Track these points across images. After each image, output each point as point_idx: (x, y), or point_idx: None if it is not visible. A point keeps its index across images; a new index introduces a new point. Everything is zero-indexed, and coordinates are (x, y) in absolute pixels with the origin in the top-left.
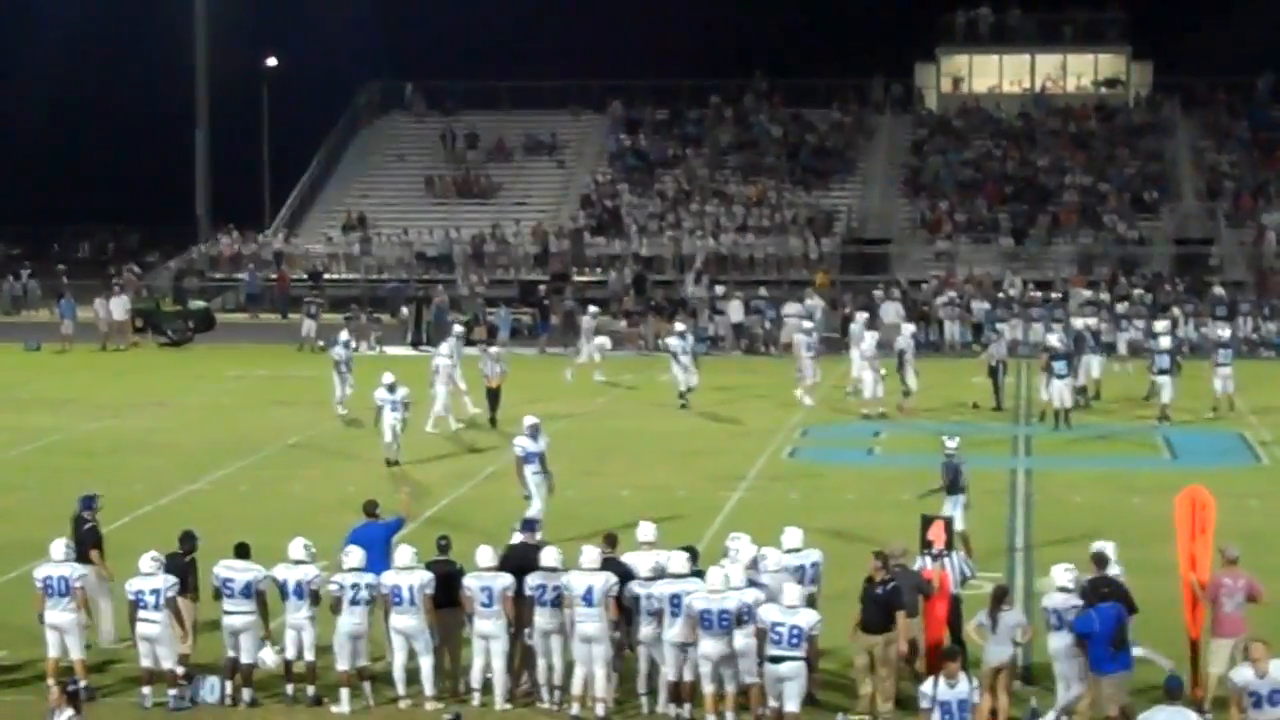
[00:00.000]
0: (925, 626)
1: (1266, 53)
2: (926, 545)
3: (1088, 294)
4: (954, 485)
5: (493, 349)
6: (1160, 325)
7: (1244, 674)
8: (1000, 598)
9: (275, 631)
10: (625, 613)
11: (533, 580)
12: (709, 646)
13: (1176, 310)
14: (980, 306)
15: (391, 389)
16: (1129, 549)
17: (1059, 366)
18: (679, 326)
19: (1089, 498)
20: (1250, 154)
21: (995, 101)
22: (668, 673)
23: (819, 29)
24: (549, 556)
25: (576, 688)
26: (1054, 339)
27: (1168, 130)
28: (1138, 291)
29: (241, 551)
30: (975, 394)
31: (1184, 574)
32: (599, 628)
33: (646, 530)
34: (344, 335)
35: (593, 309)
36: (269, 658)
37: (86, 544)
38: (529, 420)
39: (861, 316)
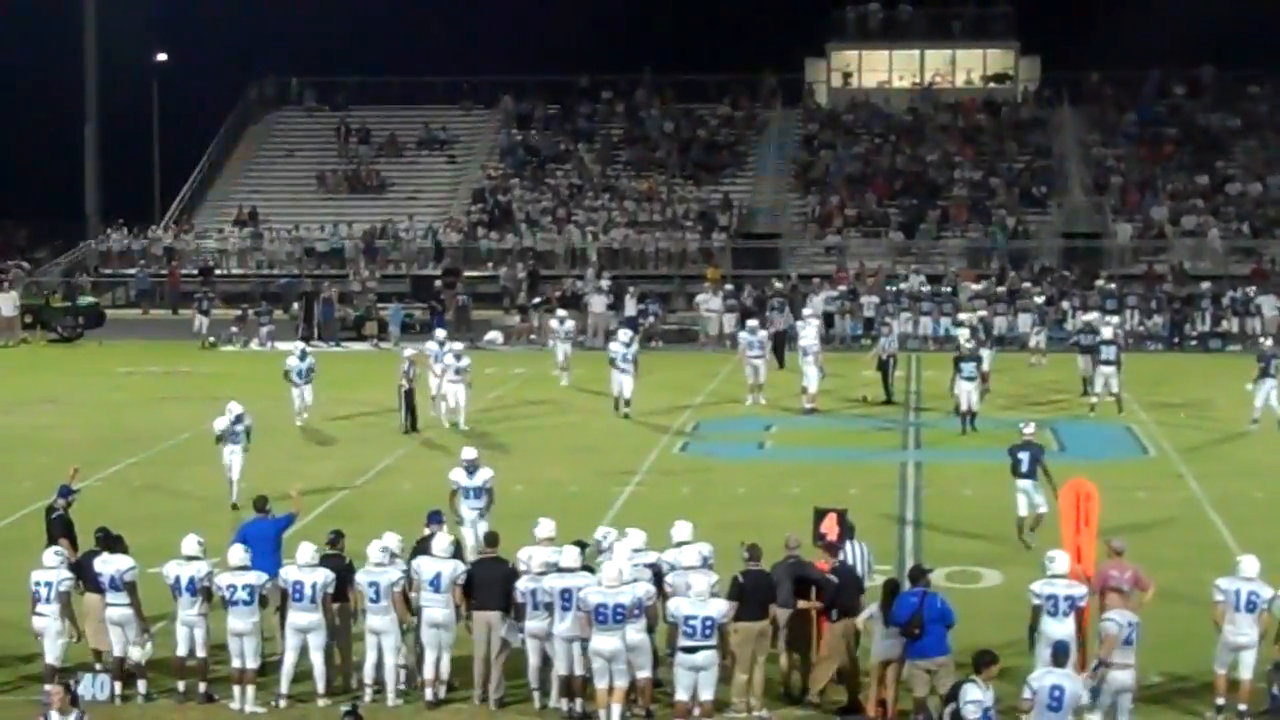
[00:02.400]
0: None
1: (1153, 48)
2: (820, 538)
3: (977, 287)
4: (1031, 470)
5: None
6: (1099, 317)
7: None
8: (892, 591)
9: (167, 627)
10: (518, 608)
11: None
12: (601, 641)
13: (1065, 303)
14: (869, 300)
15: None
16: (1019, 542)
17: (967, 369)
18: (623, 334)
19: (979, 490)
20: (1137, 148)
21: (885, 96)
22: (559, 667)
23: (710, 24)
24: (440, 544)
25: (428, 672)
26: (963, 338)
27: (1056, 125)
28: (1026, 285)
29: (114, 545)
30: (866, 388)
31: (1069, 565)
32: (446, 614)
33: (546, 527)
34: (300, 345)
35: (560, 312)
36: (135, 652)
37: (55, 533)
38: (466, 454)
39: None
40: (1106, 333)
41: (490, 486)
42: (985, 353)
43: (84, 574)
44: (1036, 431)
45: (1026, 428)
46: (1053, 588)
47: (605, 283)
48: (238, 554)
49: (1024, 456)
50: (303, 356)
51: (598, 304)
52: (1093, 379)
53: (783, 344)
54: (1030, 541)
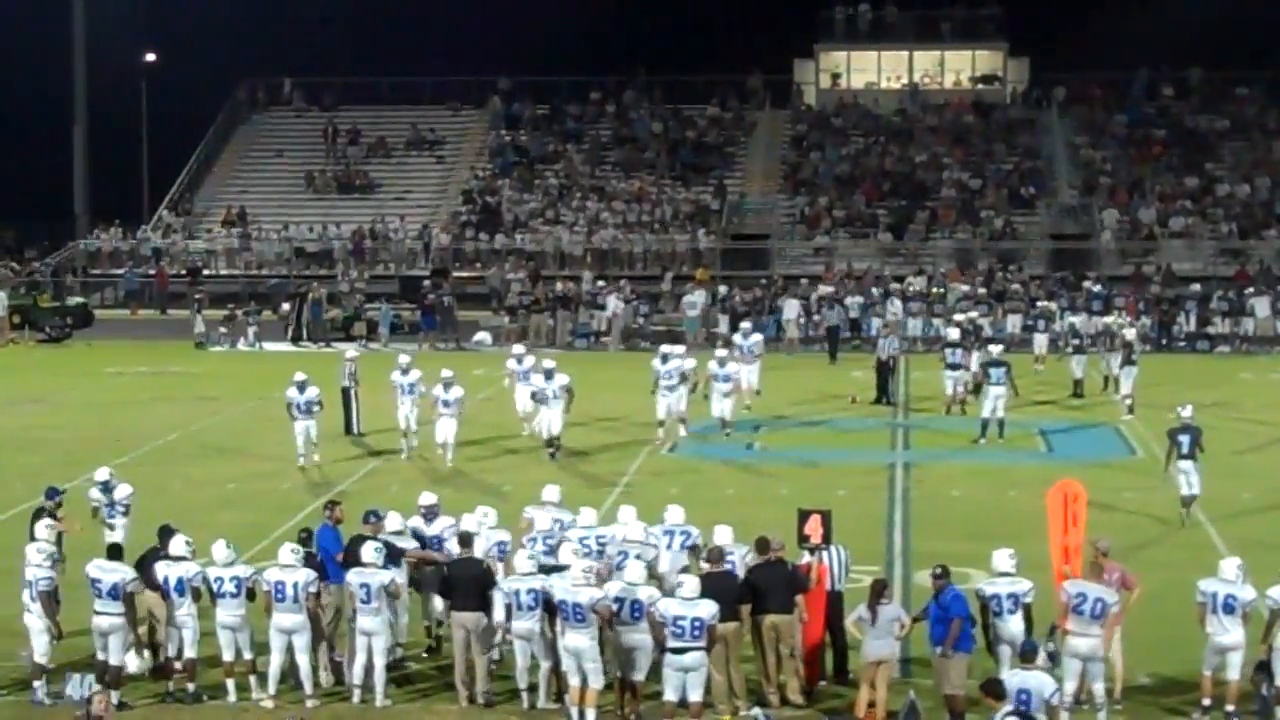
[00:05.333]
0: (804, 620)
1: (1142, 49)
2: (804, 539)
3: (965, 289)
4: (1191, 451)
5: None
6: (1085, 319)
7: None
8: (880, 591)
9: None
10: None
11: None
12: (570, 639)
13: (1052, 304)
14: (855, 301)
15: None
16: (1006, 543)
17: (995, 374)
18: (548, 364)
19: (967, 491)
20: (1126, 150)
21: (874, 98)
22: (551, 666)
23: (698, 25)
24: (368, 553)
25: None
26: (953, 332)
27: (1044, 126)
28: (1015, 286)
29: (113, 553)
30: (855, 388)
31: (1056, 567)
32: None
33: (551, 492)
34: (299, 375)
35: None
36: (132, 662)
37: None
38: (424, 499)
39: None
40: (1130, 334)
41: (446, 537)
42: (975, 354)
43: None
44: (1193, 415)
45: (1185, 410)
46: (995, 587)
47: (624, 286)
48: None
49: (1185, 439)
50: (302, 387)
51: (614, 306)
52: (1117, 380)
53: (835, 341)
54: (1186, 521)
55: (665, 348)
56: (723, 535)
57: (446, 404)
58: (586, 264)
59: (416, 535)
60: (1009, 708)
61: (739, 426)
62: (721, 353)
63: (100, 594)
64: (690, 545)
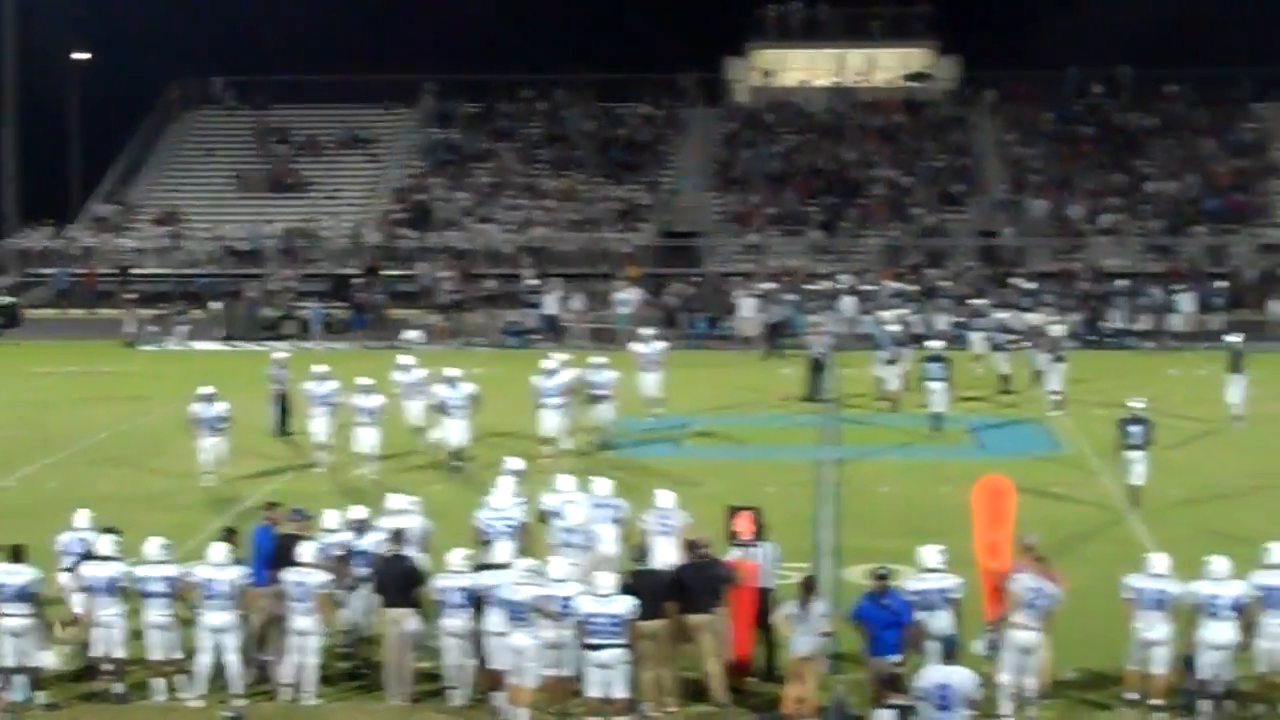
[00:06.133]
0: (733, 617)
1: (1072, 47)
2: (733, 536)
3: (896, 286)
4: (1143, 443)
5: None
6: (1013, 315)
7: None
8: (810, 588)
9: (83, 627)
10: (436, 606)
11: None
12: (514, 638)
13: (982, 301)
14: (790, 298)
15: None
16: (935, 539)
17: (935, 369)
18: (451, 372)
19: (896, 488)
20: (1055, 148)
21: (805, 95)
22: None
23: (630, 24)
24: (305, 552)
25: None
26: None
27: (974, 124)
28: (945, 283)
29: (16, 554)
30: (785, 385)
31: (983, 562)
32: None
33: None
34: (207, 388)
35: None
36: (48, 660)
37: None
38: (353, 513)
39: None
40: (1058, 331)
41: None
42: (906, 351)
43: None
44: (1145, 407)
45: (1136, 402)
46: (924, 583)
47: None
48: (151, 548)
49: (1136, 430)
50: (210, 401)
51: (550, 305)
52: (1045, 376)
53: (777, 337)
54: (1137, 509)
55: (545, 362)
56: (664, 499)
57: (370, 411)
58: (522, 262)
59: (347, 550)
60: (902, 700)
61: (668, 423)
62: (637, 347)
63: (7, 598)
64: (617, 519)
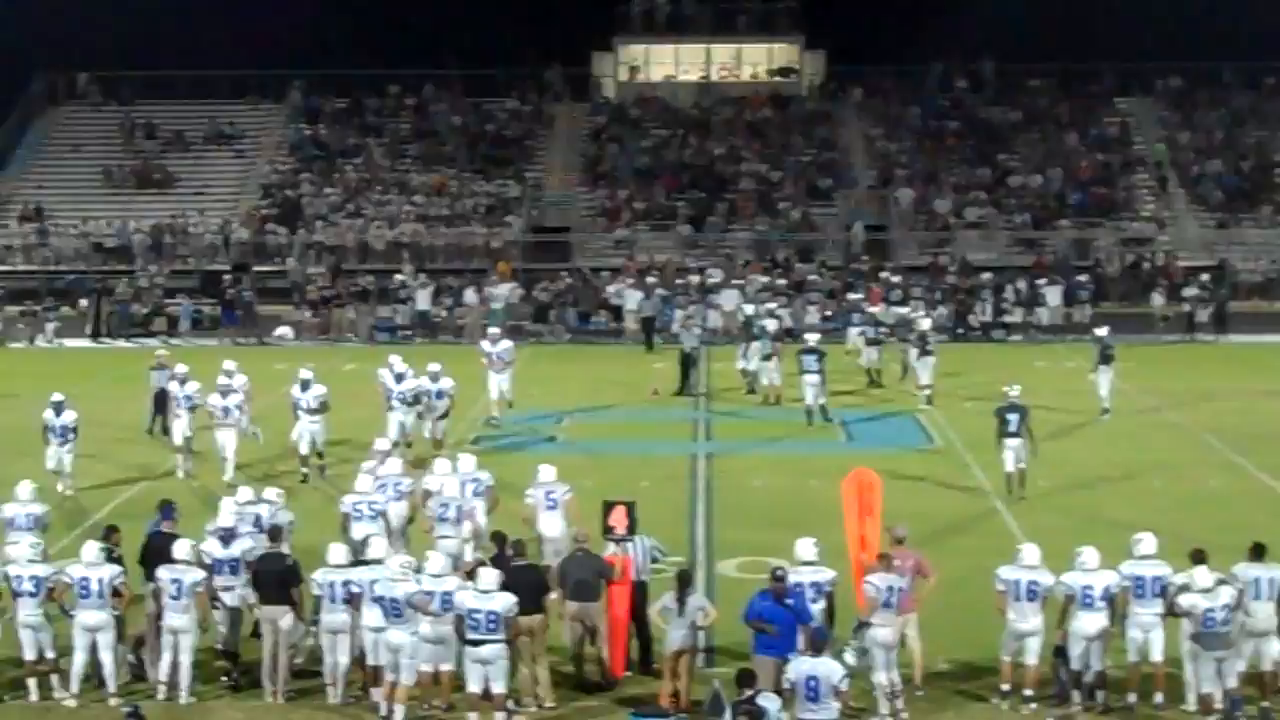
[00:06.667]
0: (608, 611)
1: (936, 42)
2: (608, 530)
3: (764, 280)
4: (1019, 429)
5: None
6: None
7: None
8: (685, 582)
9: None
10: (315, 601)
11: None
12: (390, 635)
13: (850, 295)
14: (660, 293)
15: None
16: (807, 532)
17: (808, 361)
18: (304, 374)
19: (768, 481)
20: (921, 142)
21: (672, 90)
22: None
23: (497, 19)
24: (180, 550)
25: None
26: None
27: (840, 119)
28: (813, 277)
29: None
30: (657, 380)
31: (853, 555)
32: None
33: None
34: (57, 395)
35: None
36: None
37: None
38: (221, 520)
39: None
40: (925, 324)
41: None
42: (772, 344)
43: None
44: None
45: (1012, 390)
46: (798, 575)
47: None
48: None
49: (1012, 417)
50: (59, 410)
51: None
52: (915, 371)
53: (651, 331)
54: (1020, 495)
55: (394, 359)
56: (547, 473)
57: (226, 411)
58: (391, 258)
59: (211, 560)
60: (752, 692)
61: (541, 418)
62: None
63: None
64: (481, 492)
